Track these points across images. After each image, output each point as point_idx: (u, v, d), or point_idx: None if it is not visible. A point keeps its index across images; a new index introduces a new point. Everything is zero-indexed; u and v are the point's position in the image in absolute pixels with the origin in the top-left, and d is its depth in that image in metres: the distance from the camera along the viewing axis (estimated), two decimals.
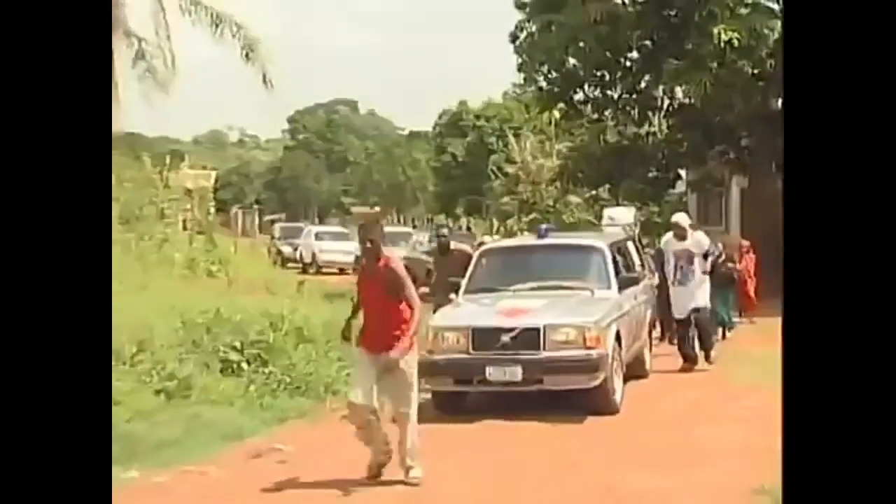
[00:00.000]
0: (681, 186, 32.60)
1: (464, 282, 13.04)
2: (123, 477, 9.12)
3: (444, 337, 11.47)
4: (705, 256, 14.84)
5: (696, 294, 14.74)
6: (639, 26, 26.80)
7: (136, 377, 11.16)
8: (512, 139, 49.93)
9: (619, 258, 13.51)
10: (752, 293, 21.79)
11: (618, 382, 11.70)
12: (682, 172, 31.21)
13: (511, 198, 46.60)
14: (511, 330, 11.14)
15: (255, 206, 79.45)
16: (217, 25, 22.14)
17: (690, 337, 14.89)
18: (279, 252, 43.57)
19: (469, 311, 12.38)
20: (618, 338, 11.81)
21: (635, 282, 13.42)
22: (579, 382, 11.14)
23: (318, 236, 41.25)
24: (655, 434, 11.04)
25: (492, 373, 11.06)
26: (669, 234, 15.60)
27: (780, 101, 26.63)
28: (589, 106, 29.43)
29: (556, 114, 32.55)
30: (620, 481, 8.96)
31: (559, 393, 11.30)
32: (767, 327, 20.16)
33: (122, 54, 21.35)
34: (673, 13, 25.76)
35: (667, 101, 28.64)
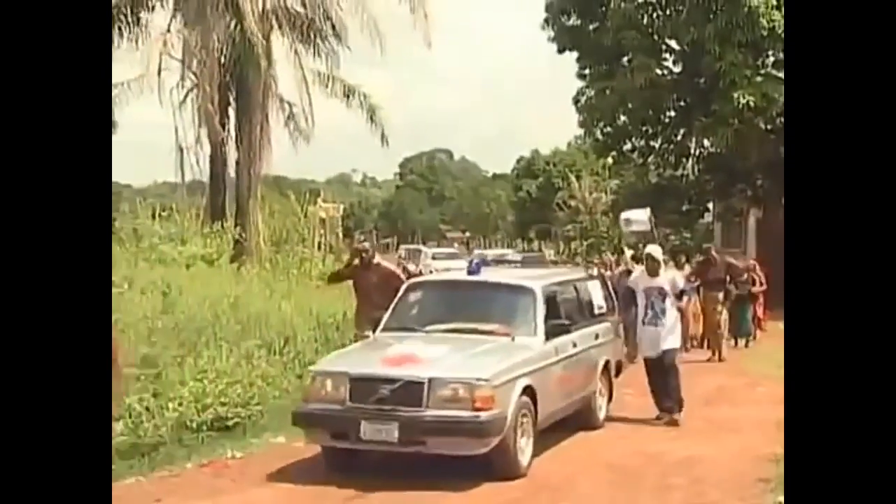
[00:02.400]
0: (708, 217, 32.29)
1: (385, 316, 9.38)
2: (273, 441, 9.30)
3: (322, 384, 8.08)
4: (679, 296, 10.86)
5: (668, 338, 10.63)
6: (675, 91, 26.77)
7: (282, 364, 11.24)
8: (573, 179, 49.76)
9: (561, 300, 9.66)
10: (759, 312, 18.82)
11: (525, 444, 8.12)
12: (710, 206, 30.94)
13: (573, 225, 46.47)
14: (392, 381, 7.74)
15: (373, 232, 79.95)
16: (348, 95, 22.54)
17: (663, 383, 10.66)
18: (405, 269, 43.39)
19: (354, 355, 9.00)
20: (531, 394, 8.25)
21: (566, 330, 9.25)
22: (466, 447, 7.72)
23: (434, 256, 40.79)
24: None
25: (366, 430, 7.68)
26: (640, 269, 11.65)
27: None
28: (635, 153, 29.36)
29: (609, 160, 32.50)
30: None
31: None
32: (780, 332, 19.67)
33: (275, 116, 21.85)
34: (702, 81, 25.55)
35: (697, 150, 28.44)
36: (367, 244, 12.03)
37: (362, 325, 10.41)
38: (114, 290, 12.75)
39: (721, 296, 16.53)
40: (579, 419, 9.91)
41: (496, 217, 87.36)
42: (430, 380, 7.69)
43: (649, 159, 29.63)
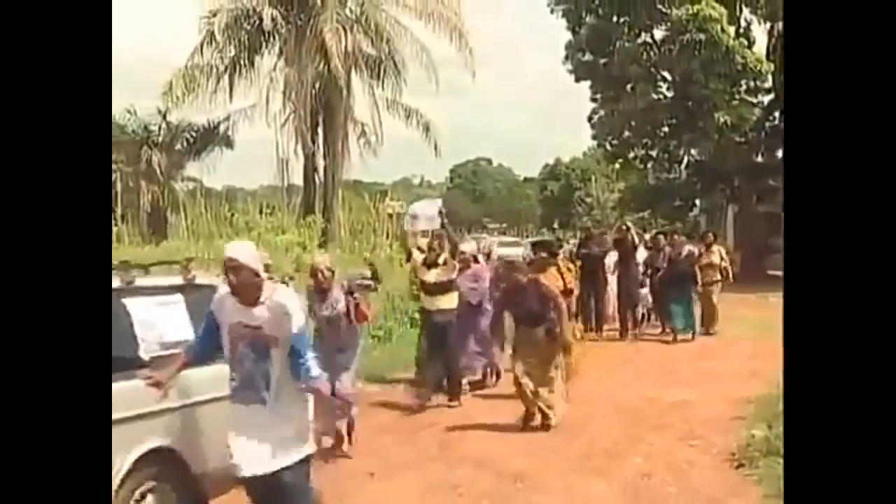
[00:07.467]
0: (696, 211, 32.08)
1: None
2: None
3: None
4: (294, 350, 3.88)
5: (283, 443, 3.97)
6: (669, 111, 26.65)
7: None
8: (589, 181, 49.54)
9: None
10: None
11: None
12: (697, 202, 30.82)
13: (587, 218, 46.26)
14: None
15: None
16: (409, 115, 22.77)
17: None
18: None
19: None
20: None
21: None
22: None
23: (500, 244, 39.97)
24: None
25: None
26: (224, 290, 4.07)
27: (758, 158, 26.47)
28: (637, 160, 29.30)
29: (617, 165, 32.37)
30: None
31: None
32: (757, 302, 17.44)
33: (353, 133, 22.20)
34: (690, 104, 25.43)
35: (686, 158, 28.46)
36: None
37: None
38: None
39: (542, 332, 7.49)
40: None
41: (527, 212, 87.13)
42: None
43: (648, 165, 29.60)
